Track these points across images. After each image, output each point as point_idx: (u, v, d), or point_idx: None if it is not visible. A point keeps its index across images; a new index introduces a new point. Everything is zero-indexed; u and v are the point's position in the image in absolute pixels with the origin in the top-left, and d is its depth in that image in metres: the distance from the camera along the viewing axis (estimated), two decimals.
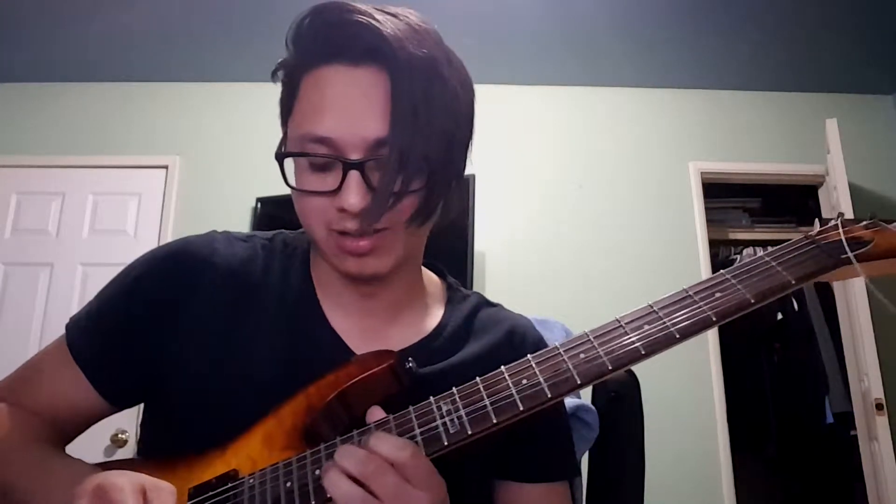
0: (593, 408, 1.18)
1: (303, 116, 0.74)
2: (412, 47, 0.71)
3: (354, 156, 0.71)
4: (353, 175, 0.71)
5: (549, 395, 0.63)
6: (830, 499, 3.57)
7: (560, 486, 0.90)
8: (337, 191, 0.72)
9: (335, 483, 0.62)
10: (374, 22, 0.71)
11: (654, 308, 0.66)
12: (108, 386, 0.83)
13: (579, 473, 0.96)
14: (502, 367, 0.67)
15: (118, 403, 0.85)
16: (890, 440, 2.70)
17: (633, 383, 1.19)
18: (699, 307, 0.64)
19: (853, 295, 2.90)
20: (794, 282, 0.64)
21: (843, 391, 3.25)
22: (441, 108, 0.72)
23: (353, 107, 0.72)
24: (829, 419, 3.33)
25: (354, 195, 0.71)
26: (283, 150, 0.78)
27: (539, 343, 0.94)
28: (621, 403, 1.17)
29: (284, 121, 0.80)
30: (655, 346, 0.63)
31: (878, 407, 2.71)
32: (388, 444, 0.63)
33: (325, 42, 0.74)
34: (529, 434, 0.74)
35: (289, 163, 0.76)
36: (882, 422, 2.71)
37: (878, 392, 2.72)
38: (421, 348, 0.84)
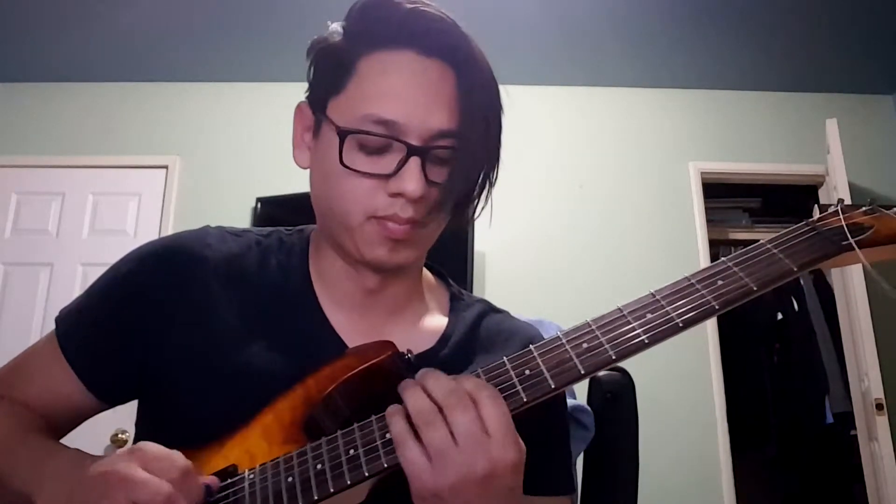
0: (589, 409, 1.17)
1: (363, 97, 0.74)
2: (478, 52, 0.77)
3: (415, 142, 0.73)
4: (415, 161, 0.72)
5: (553, 386, 0.63)
6: (830, 499, 3.56)
7: (559, 501, 0.86)
8: (392, 175, 0.73)
9: (414, 396, 0.62)
10: (447, 19, 0.75)
11: (657, 296, 0.65)
12: (98, 382, 0.82)
13: (575, 490, 0.94)
14: (504, 357, 0.66)
15: (108, 400, 0.83)
16: (890, 440, 2.70)
17: (628, 384, 1.18)
18: (701, 295, 0.63)
19: (853, 295, 2.90)
20: (796, 269, 0.64)
21: (843, 391, 3.25)
22: (498, 117, 0.78)
23: (422, 95, 0.73)
24: (829, 419, 3.33)
25: (416, 181, 0.72)
26: (318, 123, 0.79)
27: None
28: (617, 404, 1.16)
29: (324, 99, 0.78)
30: (658, 334, 0.62)
31: (878, 407, 2.71)
32: (471, 382, 0.62)
33: (398, 28, 0.74)
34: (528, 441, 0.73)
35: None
36: (882, 422, 2.71)
37: (878, 392, 2.72)
38: (426, 359, 0.82)
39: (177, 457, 0.62)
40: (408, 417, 0.62)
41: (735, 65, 3.44)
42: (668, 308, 0.64)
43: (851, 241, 0.61)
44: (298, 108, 0.84)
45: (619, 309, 0.66)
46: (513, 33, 3.16)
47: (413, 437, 0.60)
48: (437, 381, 0.63)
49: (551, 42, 3.28)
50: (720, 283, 0.64)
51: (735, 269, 0.64)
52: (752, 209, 3.94)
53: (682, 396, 3.13)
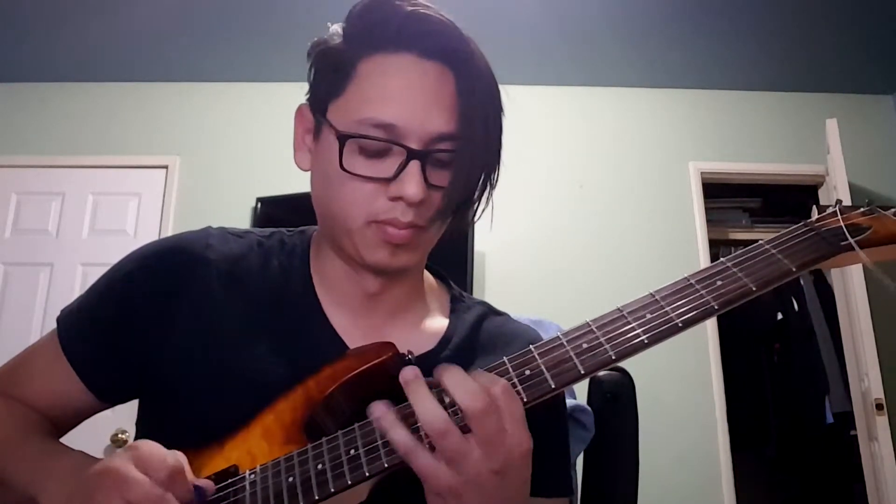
0: (589, 409, 1.18)
1: (363, 100, 0.74)
2: (478, 54, 0.76)
3: (415, 146, 0.72)
4: (415, 164, 0.72)
5: (553, 386, 0.63)
6: (830, 499, 3.57)
7: (558, 503, 0.86)
8: (392, 179, 0.73)
9: (423, 403, 0.60)
10: (446, 21, 0.75)
11: (656, 297, 0.65)
12: (98, 382, 0.82)
13: (573, 492, 0.94)
14: (504, 357, 0.66)
15: (109, 400, 0.84)
16: (890, 440, 2.70)
17: (628, 384, 1.19)
18: (700, 295, 0.63)
19: (853, 295, 2.90)
20: (794, 269, 0.64)
21: (843, 391, 3.25)
22: (499, 119, 0.78)
23: (422, 98, 0.73)
24: (829, 419, 3.33)
25: (416, 185, 0.72)
26: (318, 126, 0.79)
27: None
28: (617, 404, 1.17)
29: (324, 102, 0.78)
30: (658, 334, 0.63)
31: (878, 407, 2.71)
32: (499, 386, 0.61)
33: (398, 30, 0.74)
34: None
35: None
36: (882, 422, 2.71)
37: (878, 392, 2.72)
38: (427, 360, 0.81)
39: (168, 456, 0.62)
40: (406, 420, 0.62)
41: (735, 65, 3.43)
42: (667, 308, 0.64)
43: (851, 241, 0.61)
44: (299, 110, 0.84)
45: (619, 309, 0.66)
46: (513, 33, 3.16)
47: (422, 447, 0.60)
48: (452, 377, 0.62)
49: (551, 42, 3.28)
50: (719, 283, 0.64)
51: (734, 269, 0.64)
52: (752, 209, 3.94)
53: (682, 396, 3.13)
